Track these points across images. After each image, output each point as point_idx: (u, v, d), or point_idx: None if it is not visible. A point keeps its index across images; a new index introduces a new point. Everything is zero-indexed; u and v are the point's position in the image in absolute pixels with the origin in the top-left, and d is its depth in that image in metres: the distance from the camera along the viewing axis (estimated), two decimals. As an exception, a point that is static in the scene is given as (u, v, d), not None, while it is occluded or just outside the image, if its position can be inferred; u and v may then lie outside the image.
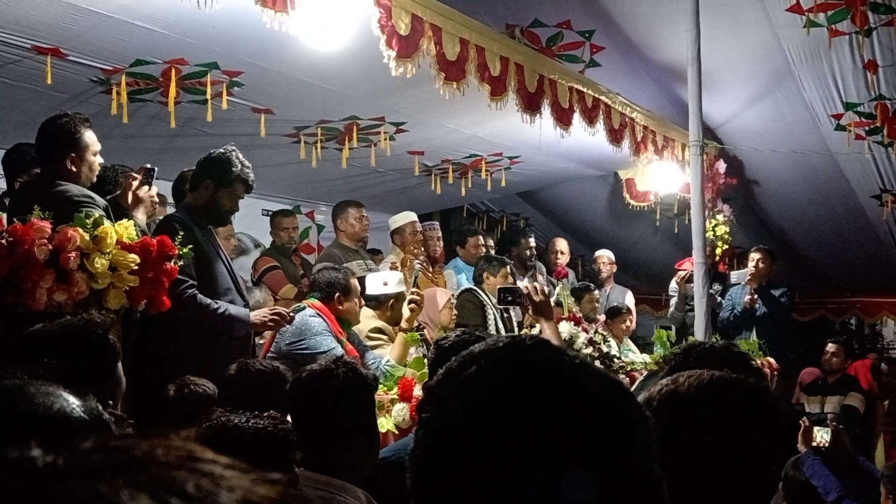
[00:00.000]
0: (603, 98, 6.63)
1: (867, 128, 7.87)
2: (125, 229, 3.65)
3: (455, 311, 6.10)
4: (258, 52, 4.89)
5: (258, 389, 3.15)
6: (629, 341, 8.14)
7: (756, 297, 8.42)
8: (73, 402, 1.26)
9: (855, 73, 7.25)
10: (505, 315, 6.09)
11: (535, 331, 4.96)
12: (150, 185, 4.51)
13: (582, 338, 6.02)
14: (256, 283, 6.65)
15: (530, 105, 5.71)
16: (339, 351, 4.60)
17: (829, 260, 10.87)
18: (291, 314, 4.70)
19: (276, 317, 4.60)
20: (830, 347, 8.68)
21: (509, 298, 4.90)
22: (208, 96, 5.23)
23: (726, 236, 9.17)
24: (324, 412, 2.72)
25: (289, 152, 6.74)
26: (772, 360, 7.73)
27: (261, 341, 5.03)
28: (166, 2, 4.12)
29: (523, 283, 5.22)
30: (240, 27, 4.43)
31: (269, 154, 6.54)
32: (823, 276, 11.36)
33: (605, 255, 9.24)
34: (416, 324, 5.35)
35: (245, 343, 4.51)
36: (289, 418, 3.11)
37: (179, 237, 3.97)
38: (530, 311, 4.58)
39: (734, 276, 8.88)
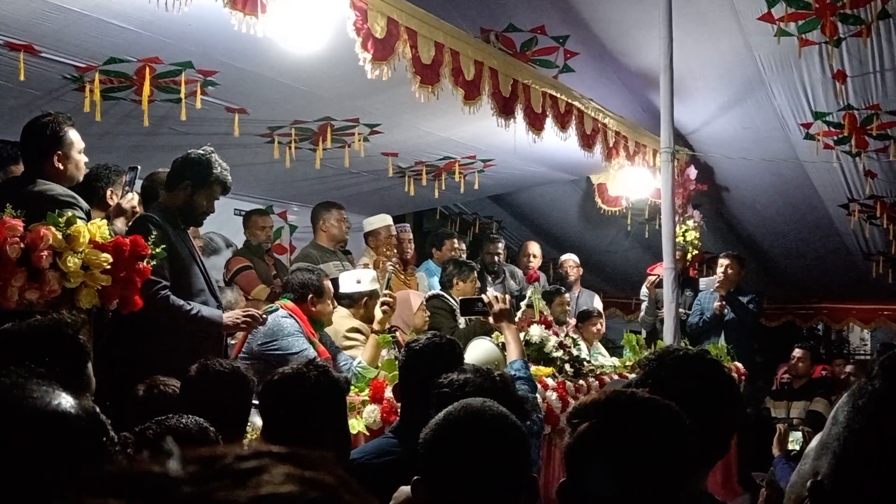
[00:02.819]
0: (576, 103, 6.67)
1: (835, 137, 7.97)
2: (98, 228, 3.64)
3: (427, 314, 6.13)
4: (233, 52, 4.88)
5: (219, 390, 3.15)
6: (599, 345, 8.19)
7: (724, 303, 8.51)
8: (70, 400, 1.27)
9: (824, 83, 7.34)
10: (470, 321, 6.12)
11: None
12: (133, 183, 4.54)
13: (553, 341, 6.05)
14: (229, 283, 6.64)
15: (504, 109, 5.74)
16: (311, 352, 4.61)
17: (797, 266, 10.99)
18: (264, 315, 4.71)
19: (248, 318, 4.60)
20: (797, 353, 8.82)
21: (474, 309, 4.95)
22: (182, 95, 5.21)
23: (696, 242, 9.24)
24: (295, 415, 2.74)
25: (262, 152, 6.74)
26: (739, 364, 7.82)
27: (233, 342, 5.03)
28: (141, 0, 4.11)
29: (490, 291, 5.27)
30: (215, 27, 4.41)
31: (243, 154, 6.53)
32: (791, 283, 11.49)
33: (570, 259, 9.28)
34: (388, 326, 5.37)
35: (217, 344, 4.51)
36: (258, 420, 3.13)
37: (153, 237, 3.97)
38: (491, 319, 4.64)
39: (703, 282, 8.96)
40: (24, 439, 1.22)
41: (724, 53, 7.34)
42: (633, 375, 2.40)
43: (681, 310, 7.45)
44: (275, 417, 2.81)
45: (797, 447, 5.04)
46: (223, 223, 7.48)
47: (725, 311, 8.53)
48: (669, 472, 1.69)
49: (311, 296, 5.05)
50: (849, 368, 10.24)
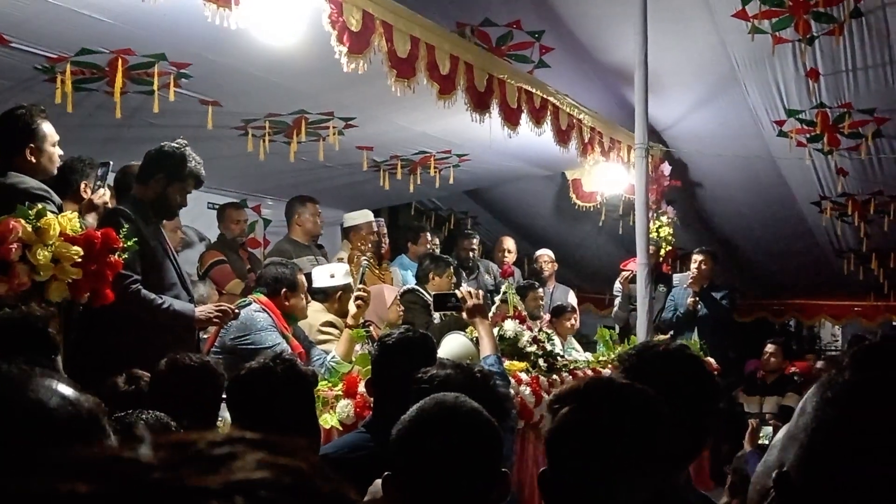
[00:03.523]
0: (551, 99, 6.67)
1: (808, 135, 8.03)
2: (69, 221, 3.61)
3: (401, 308, 6.12)
4: (206, 44, 4.84)
5: (188, 384, 3.14)
6: (573, 340, 8.22)
7: (698, 299, 8.56)
8: (69, 395, 1.24)
9: (797, 81, 7.39)
10: (445, 316, 6.12)
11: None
12: (104, 179, 4.51)
13: (526, 336, 6.06)
14: (203, 277, 6.60)
15: (479, 104, 5.73)
16: (284, 347, 4.59)
17: (770, 263, 11.07)
18: (236, 310, 4.68)
19: (220, 312, 4.58)
20: (769, 348, 8.88)
21: (448, 304, 4.95)
22: (155, 87, 5.17)
23: (670, 238, 9.28)
24: (262, 409, 2.72)
25: (236, 145, 6.68)
26: (712, 360, 7.85)
27: (205, 336, 5.00)
28: (114, -9, 4.07)
29: (464, 287, 5.27)
30: (188, 18, 4.37)
31: (217, 147, 6.48)
32: (764, 279, 11.57)
33: (545, 254, 9.30)
34: (361, 320, 5.35)
35: (189, 338, 4.48)
36: (226, 415, 3.11)
37: (124, 230, 3.94)
38: (465, 315, 4.63)
39: (677, 278, 9.01)
40: (12, 434, 1.19)
41: (699, 50, 7.38)
42: (607, 370, 2.38)
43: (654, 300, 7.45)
44: (243, 412, 2.79)
45: (767, 441, 5.08)
46: (196, 217, 7.44)
47: (699, 306, 8.58)
48: (646, 456, 1.68)
49: (284, 290, 5.03)
50: (819, 364, 10.31)
